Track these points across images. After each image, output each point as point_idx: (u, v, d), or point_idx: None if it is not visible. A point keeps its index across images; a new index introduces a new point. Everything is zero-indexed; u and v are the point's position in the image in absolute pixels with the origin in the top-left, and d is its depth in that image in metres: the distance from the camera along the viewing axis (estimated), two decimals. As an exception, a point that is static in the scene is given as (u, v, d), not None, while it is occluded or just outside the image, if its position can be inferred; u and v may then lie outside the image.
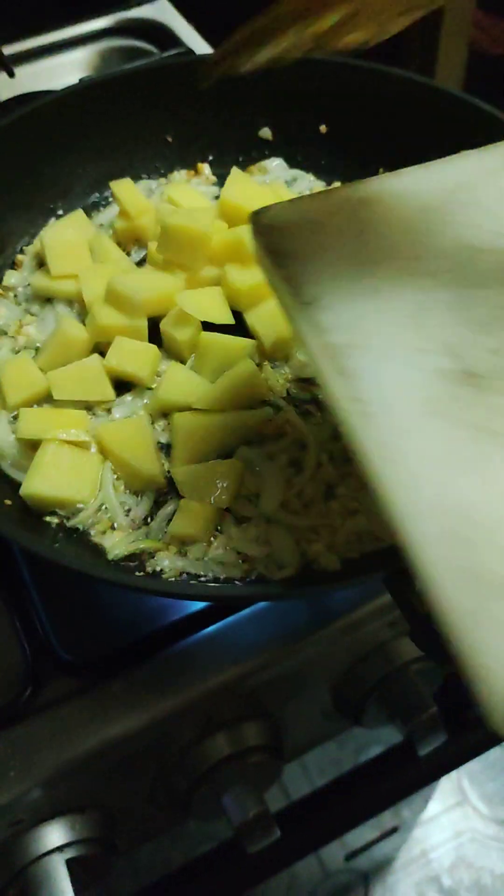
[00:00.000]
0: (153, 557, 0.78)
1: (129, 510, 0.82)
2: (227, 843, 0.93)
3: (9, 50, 1.38)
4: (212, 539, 0.79)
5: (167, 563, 0.77)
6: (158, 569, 0.77)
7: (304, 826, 0.96)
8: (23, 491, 0.79)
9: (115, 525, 0.80)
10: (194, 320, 0.89)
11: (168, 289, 0.91)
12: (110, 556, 0.78)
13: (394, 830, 1.77)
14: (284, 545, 0.77)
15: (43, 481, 0.79)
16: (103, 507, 0.81)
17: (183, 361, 0.91)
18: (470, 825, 2.01)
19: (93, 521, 0.80)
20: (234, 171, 1.02)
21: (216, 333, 0.89)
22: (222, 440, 0.84)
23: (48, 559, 0.69)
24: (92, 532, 0.80)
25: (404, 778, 1.01)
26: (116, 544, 0.78)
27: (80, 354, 0.90)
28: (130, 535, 0.79)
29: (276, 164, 1.13)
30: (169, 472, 0.83)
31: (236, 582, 0.76)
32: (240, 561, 0.77)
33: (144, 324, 0.90)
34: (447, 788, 2.05)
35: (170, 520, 0.80)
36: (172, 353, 0.92)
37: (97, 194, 1.10)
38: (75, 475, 0.81)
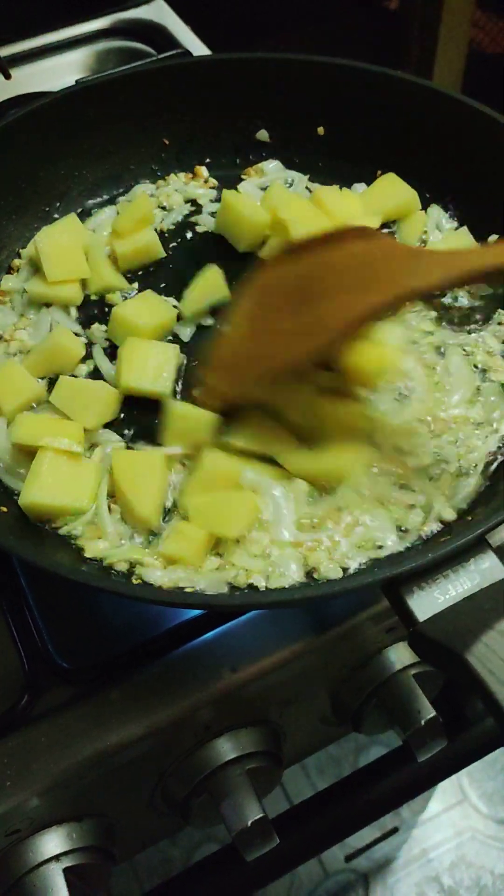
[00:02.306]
0: (143, 567, 0.77)
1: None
2: (227, 848, 0.93)
3: (5, 51, 1.37)
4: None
5: (158, 574, 0.76)
6: (149, 581, 0.76)
7: (304, 832, 0.96)
8: (21, 500, 0.79)
9: (103, 535, 0.79)
10: None
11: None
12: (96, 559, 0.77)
13: (394, 831, 1.77)
14: (289, 560, 0.77)
15: (41, 490, 0.78)
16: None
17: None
18: (470, 824, 2.01)
19: (83, 528, 0.80)
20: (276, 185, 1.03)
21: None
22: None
23: (43, 569, 0.69)
24: (82, 539, 0.79)
25: (404, 782, 1.01)
26: (104, 552, 0.78)
27: (69, 365, 0.90)
28: (120, 548, 0.78)
29: (272, 167, 1.12)
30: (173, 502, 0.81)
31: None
32: (238, 571, 0.77)
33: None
34: (447, 788, 2.05)
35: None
36: None
37: (95, 197, 1.10)
38: (73, 484, 0.80)
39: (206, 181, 1.12)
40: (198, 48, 1.40)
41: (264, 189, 1.09)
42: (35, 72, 1.37)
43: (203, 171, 1.12)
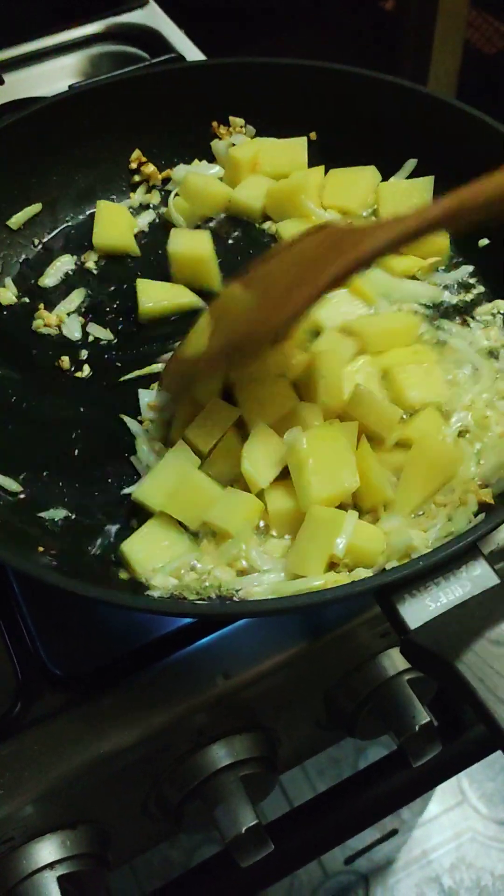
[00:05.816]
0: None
1: None
2: (226, 851, 0.93)
3: (-2, 56, 1.37)
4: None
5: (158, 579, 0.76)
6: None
7: (302, 836, 0.96)
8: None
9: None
10: None
11: None
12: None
13: (394, 832, 1.77)
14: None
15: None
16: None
17: None
18: (470, 825, 2.01)
19: None
20: None
21: None
22: None
23: (36, 577, 0.69)
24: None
25: (400, 786, 1.00)
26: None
27: None
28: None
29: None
30: None
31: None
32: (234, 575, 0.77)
33: None
34: (446, 789, 2.05)
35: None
36: None
37: (88, 202, 1.10)
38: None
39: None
40: (191, 52, 1.40)
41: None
42: (28, 77, 1.37)
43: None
